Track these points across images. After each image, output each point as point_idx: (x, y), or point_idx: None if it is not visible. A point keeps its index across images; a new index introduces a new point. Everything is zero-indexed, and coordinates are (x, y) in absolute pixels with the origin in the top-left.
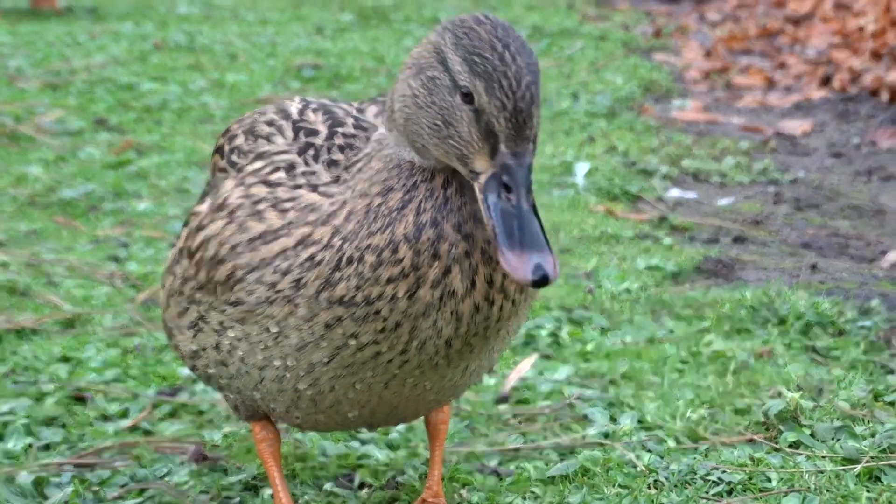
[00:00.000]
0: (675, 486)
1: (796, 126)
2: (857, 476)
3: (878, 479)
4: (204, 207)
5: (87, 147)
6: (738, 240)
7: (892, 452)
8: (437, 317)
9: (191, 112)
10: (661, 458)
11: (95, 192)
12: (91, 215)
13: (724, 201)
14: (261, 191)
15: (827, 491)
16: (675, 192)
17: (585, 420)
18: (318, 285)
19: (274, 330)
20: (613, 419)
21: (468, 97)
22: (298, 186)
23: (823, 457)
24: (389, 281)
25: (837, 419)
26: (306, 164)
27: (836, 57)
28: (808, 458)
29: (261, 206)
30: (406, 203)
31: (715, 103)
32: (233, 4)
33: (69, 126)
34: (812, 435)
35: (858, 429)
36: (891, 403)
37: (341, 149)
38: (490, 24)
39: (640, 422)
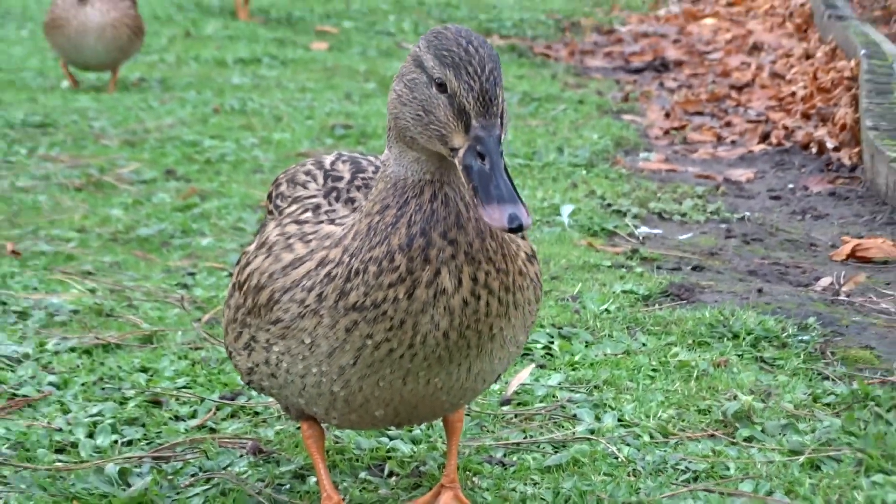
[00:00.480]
0: (650, 474)
1: (741, 174)
2: (801, 465)
3: (818, 467)
4: (251, 247)
5: (159, 193)
6: (697, 268)
7: (829, 445)
8: (433, 312)
9: (244, 164)
10: (638, 450)
11: (166, 231)
12: (163, 250)
13: (684, 236)
14: (292, 228)
15: (776, 478)
16: (644, 229)
17: (575, 419)
18: (335, 296)
19: (307, 341)
20: (598, 418)
21: (442, 86)
22: (320, 222)
23: (773, 449)
24: (391, 285)
25: (783, 418)
26: (329, 204)
27: (773, 117)
28: (760, 450)
29: (291, 241)
30: (399, 218)
31: (674, 155)
32: (277, 76)
33: (144, 176)
34: (763, 431)
35: (801, 426)
36: (828, 404)
37: (359, 188)
38: (454, 29)
39: (619, 420)
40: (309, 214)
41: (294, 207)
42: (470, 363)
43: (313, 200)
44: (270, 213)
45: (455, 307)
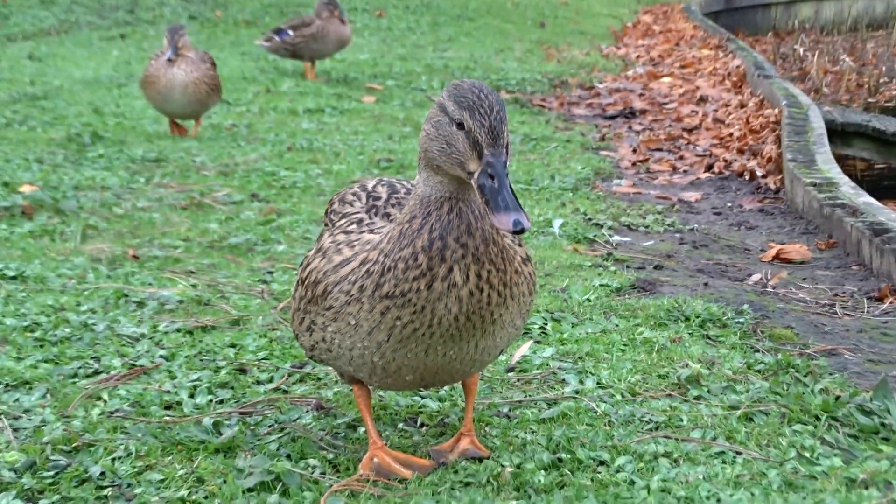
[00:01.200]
0: (622, 424)
1: (691, 196)
2: (738, 418)
3: (751, 419)
4: (311, 252)
5: (246, 211)
6: (657, 267)
7: (760, 402)
8: (447, 300)
9: (310, 189)
10: (612, 406)
11: (251, 240)
12: (248, 254)
13: (647, 243)
14: (341, 237)
15: (718, 427)
16: (616, 237)
17: (563, 382)
18: (373, 287)
19: (352, 322)
20: (581, 381)
21: (460, 125)
22: (363, 231)
23: (716, 405)
24: (415, 279)
25: (724, 381)
26: (370, 218)
27: (715, 152)
28: (706, 406)
29: (340, 246)
30: (423, 225)
31: (640, 181)
32: (336, 122)
33: (234, 198)
34: (708, 391)
35: (738, 387)
36: (759, 371)
37: (393, 205)
38: (469, 81)
39: (598, 383)
40: (354, 227)
41: (343, 221)
42: (476, 341)
43: (357, 215)
44: (326, 225)
45: (464, 297)
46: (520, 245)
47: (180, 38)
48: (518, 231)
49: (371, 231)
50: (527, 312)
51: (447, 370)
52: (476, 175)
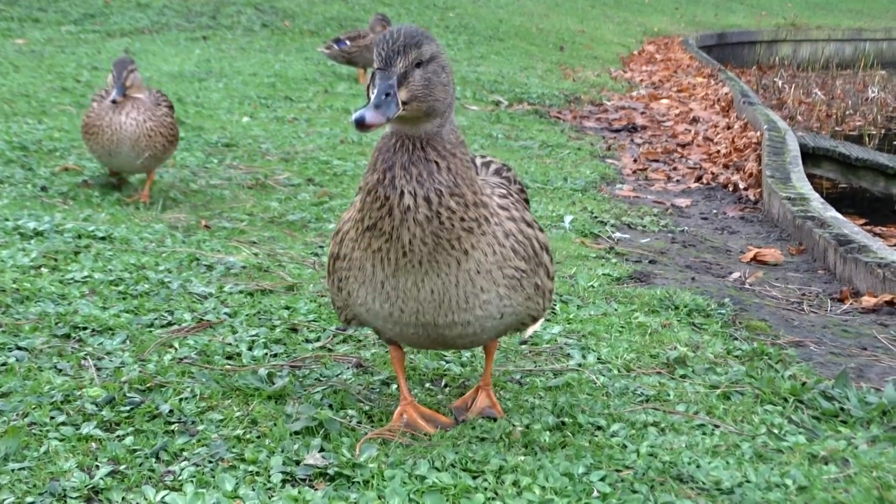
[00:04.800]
0: (617, 395)
1: (683, 202)
2: (717, 396)
3: (729, 398)
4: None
5: (302, 193)
6: (652, 262)
7: (737, 384)
8: (408, 224)
9: (358, 177)
10: (610, 379)
11: (306, 218)
12: (303, 230)
13: (644, 240)
14: (355, 199)
15: (700, 403)
16: (618, 234)
17: (568, 356)
18: (359, 225)
19: (358, 267)
20: (584, 356)
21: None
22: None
23: (699, 384)
24: (379, 208)
25: (707, 363)
26: None
27: (704, 166)
28: (690, 384)
29: (354, 200)
30: (377, 159)
31: (639, 187)
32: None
33: (293, 181)
34: (693, 371)
35: (718, 370)
36: (737, 356)
37: None
38: (399, 25)
39: (598, 359)
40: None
41: (357, 197)
42: (456, 276)
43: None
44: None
45: (421, 220)
46: (529, 227)
47: (129, 73)
48: (357, 124)
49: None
50: (517, 279)
51: (449, 327)
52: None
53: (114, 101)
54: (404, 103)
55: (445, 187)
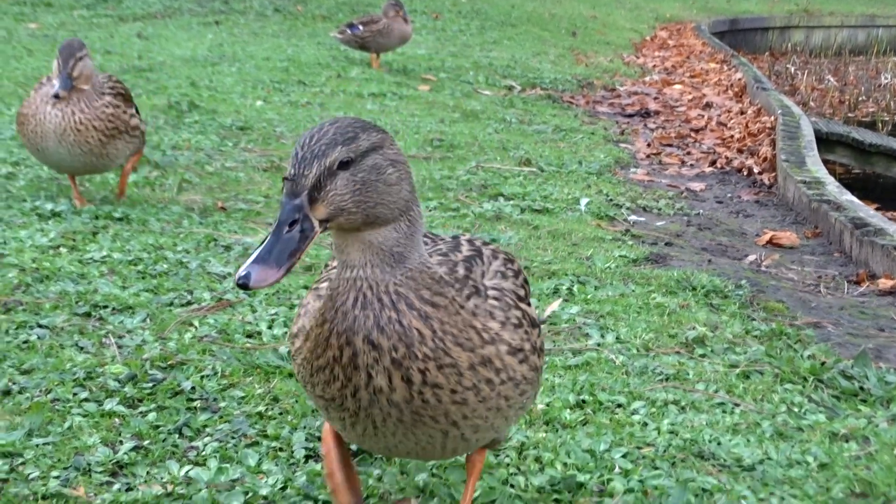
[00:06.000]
0: (637, 374)
1: (697, 186)
2: (737, 375)
3: (748, 377)
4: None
5: None
6: (668, 244)
7: (756, 363)
8: (379, 406)
9: None
10: (629, 359)
11: None
12: None
13: (659, 223)
14: (310, 296)
15: (720, 382)
16: (633, 217)
17: (587, 336)
18: (306, 382)
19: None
20: (602, 336)
21: None
22: (318, 295)
23: (718, 363)
24: (339, 389)
25: (726, 343)
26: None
27: (718, 150)
28: (710, 363)
29: (300, 307)
30: (331, 331)
31: (653, 171)
32: (396, 105)
33: None
34: (712, 351)
35: (737, 349)
36: (756, 336)
37: None
38: (329, 121)
39: (617, 339)
40: (325, 284)
41: (323, 275)
42: (443, 434)
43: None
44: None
45: (398, 401)
46: (532, 328)
47: (77, 62)
48: (240, 286)
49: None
50: (523, 405)
51: (427, 453)
52: None
53: (56, 97)
54: (324, 221)
55: (432, 360)
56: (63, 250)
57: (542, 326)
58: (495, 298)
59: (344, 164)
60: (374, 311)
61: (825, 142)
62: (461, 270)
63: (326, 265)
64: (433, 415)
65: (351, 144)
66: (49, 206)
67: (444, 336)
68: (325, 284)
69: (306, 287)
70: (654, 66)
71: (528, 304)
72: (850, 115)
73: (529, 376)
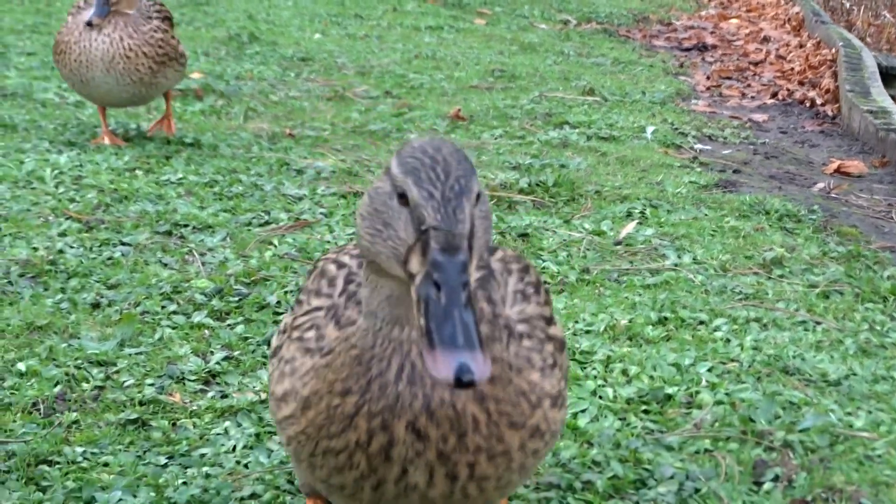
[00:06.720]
0: (716, 294)
1: (760, 117)
2: (817, 295)
3: (828, 297)
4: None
5: (381, 105)
6: (736, 171)
7: (836, 283)
8: (408, 501)
9: (435, 90)
10: (707, 279)
11: (386, 128)
12: (385, 139)
13: (726, 151)
14: (293, 348)
15: (800, 301)
16: (699, 146)
17: (664, 256)
18: (307, 464)
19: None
20: (679, 257)
21: (402, 197)
22: (309, 351)
23: (797, 284)
24: (355, 480)
25: (804, 264)
26: (331, 318)
27: (779, 83)
28: (789, 284)
29: (287, 366)
30: (359, 408)
31: (714, 103)
32: (453, 38)
33: (371, 94)
34: (790, 272)
35: (816, 270)
36: (833, 258)
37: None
38: (427, 139)
39: (694, 259)
40: (311, 333)
41: (305, 317)
42: None
43: (318, 314)
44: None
45: (434, 498)
46: (561, 352)
47: None
48: (463, 384)
49: (320, 350)
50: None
51: None
52: (417, 281)
53: (89, 24)
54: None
55: (484, 451)
56: (139, 173)
57: (618, 247)
58: (527, 336)
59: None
60: (424, 389)
61: (885, 76)
62: (485, 305)
63: (299, 301)
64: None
65: (475, 171)
66: (120, 130)
67: (499, 419)
68: (312, 333)
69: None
70: (710, 0)
71: (555, 323)
72: None
73: (562, 417)
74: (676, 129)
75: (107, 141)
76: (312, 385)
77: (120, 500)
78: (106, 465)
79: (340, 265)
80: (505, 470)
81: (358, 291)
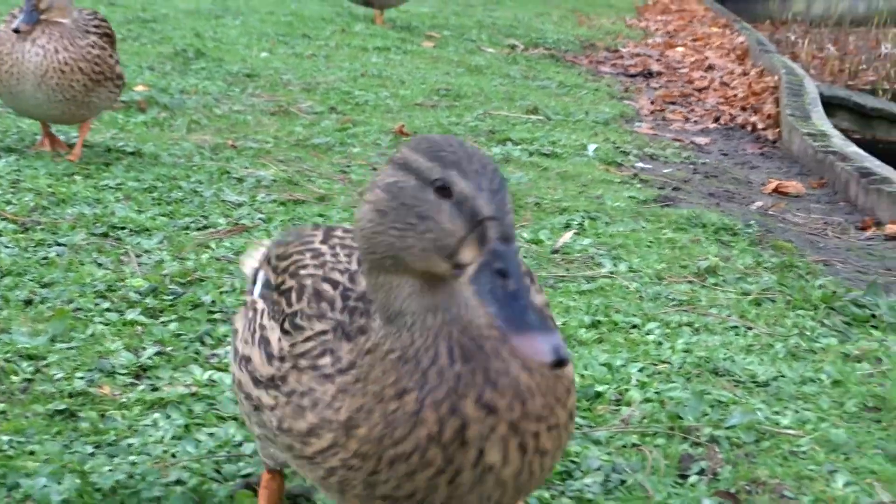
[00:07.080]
0: (650, 300)
1: (702, 140)
2: (749, 302)
3: (759, 304)
4: (240, 344)
5: (325, 120)
6: (676, 189)
7: (767, 290)
8: (481, 488)
9: (380, 107)
10: (642, 286)
11: (330, 142)
12: (328, 152)
13: (666, 170)
14: (305, 379)
15: (733, 308)
16: (640, 164)
17: (600, 265)
18: (362, 487)
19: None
20: (615, 265)
21: (443, 190)
22: (328, 376)
23: (730, 291)
24: (428, 479)
25: (737, 273)
26: (341, 338)
27: (722, 108)
28: (722, 291)
29: (306, 398)
30: (423, 402)
31: (657, 126)
32: (400, 59)
33: (315, 109)
34: (724, 280)
35: (749, 279)
36: (767, 268)
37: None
38: (433, 135)
39: (630, 268)
40: (327, 359)
41: (309, 343)
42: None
43: (325, 337)
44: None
45: (507, 479)
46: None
47: None
48: (560, 362)
49: (340, 372)
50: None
51: None
52: (473, 271)
53: (16, 31)
54: None
55: (544, 420)
56: (77, 178)
57: (555, 255)
58: None
59: None
60: (479, 362)
61: (826, 105)
62: None
63: (296, 325)
64: (525, 489)
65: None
66: (61, 137)
67: (546, 391)
68: (327, 359)
69: (320, 216)
70: (657, 29)
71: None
72: (850, 83)
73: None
74: (618, 147)
75: (47, 147)
76: (349, 404)
77: (45, 486)
78: (32, 453)
79: (334, 284)
80: (557, 448)
81: (357, 306)
